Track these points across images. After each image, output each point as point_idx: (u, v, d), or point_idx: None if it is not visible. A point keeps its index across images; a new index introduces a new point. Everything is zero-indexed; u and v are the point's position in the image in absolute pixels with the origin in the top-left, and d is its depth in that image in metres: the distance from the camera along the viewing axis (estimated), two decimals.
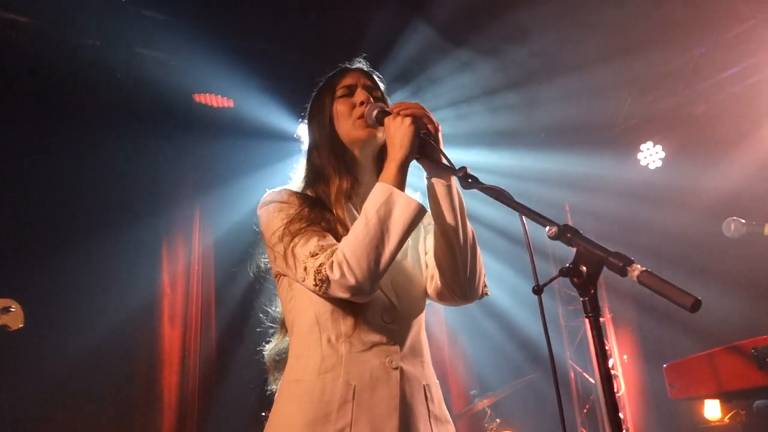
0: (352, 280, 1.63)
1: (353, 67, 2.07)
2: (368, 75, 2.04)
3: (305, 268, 1.68)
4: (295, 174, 2.06)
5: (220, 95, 5.37)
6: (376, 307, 1.79)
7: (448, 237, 1.83)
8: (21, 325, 3.13)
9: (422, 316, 1.94)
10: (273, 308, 2.08)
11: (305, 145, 2.09)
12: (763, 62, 5.68)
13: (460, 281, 1.85)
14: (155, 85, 5.04)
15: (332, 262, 1.64)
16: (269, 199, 1.88)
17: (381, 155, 1.99)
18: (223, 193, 5.18)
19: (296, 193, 1.89)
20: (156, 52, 5.02)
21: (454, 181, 1.85)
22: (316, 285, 1.65)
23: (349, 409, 1.68)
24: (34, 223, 4.60)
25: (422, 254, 1.99)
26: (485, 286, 1.94)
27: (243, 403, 4.69)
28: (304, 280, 1.69)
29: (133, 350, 4.95)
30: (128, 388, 4.85)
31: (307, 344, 1.79)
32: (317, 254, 1.68)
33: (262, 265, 2.05)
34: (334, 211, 1.84)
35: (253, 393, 4.36)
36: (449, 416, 1.90)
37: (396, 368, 1.77)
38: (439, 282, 1.90)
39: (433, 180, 1.83)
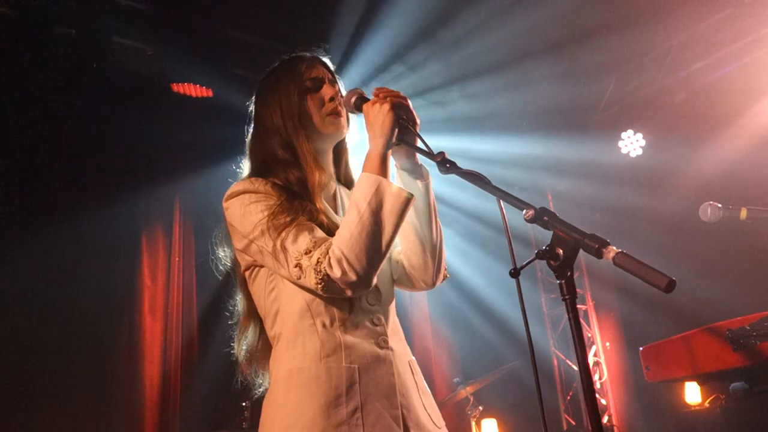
0: (353, 277, 1.63)
1: (314, 56, 2.05)
2: (330, 69, 2.05)
3: (299, 266, 1.65)
4: (245, 161, 2.03)
5: (199, 85, 5.31)
6: None
7: (421, 234, 1.90)
8: None
9: (394, 298, 2.00)
10: (233, 303, 2.05)
11: (255, 129, 2.03)
12: (740, 50, 5.72)
13: (428, 274, 1.95)
14: (132, 74, 4.98)
15: (329, 260, 1.63)
16: (241, 188, 1.82)
17: (338, 147, 2.06)
18: (203, 183, 5.12)
19: (270, 181, 1.83)
20: (132, 42, 4.95)
21: (431, 181, 1.91)
22: (317, 284, 1.63)
23: (356, 391, 1.71)
24: (8, 213, 4.52)
25: None
26: (445, 270, 2.02)
27: (226, 394, 4.67)
28: (299, 278, 1.67)
29: (113, 343, 4.89)
30: (109, 381, 4.79)
31: (299, 331, 1.77)
32: (311, 251, 1.65)
33: (225, 256, 2.02)
34: (316, 203, 1.82)
35: (236, 384, 4.34)
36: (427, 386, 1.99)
37: (388, 348, 1.82)
38: (404, 270, 1.97)
39: (413, 179, 1.88)
